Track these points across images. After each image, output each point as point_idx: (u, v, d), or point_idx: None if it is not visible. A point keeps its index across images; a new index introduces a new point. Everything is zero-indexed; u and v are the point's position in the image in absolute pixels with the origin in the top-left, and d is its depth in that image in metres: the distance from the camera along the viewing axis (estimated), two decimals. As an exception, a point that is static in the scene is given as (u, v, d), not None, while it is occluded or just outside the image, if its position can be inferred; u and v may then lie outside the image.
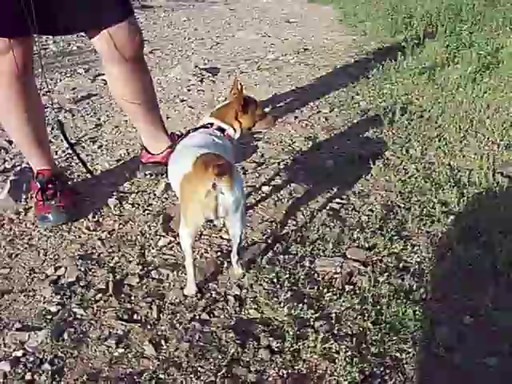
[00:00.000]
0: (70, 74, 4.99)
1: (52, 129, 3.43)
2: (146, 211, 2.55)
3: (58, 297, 1.94)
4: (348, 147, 3.24)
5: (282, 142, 3.33)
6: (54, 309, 1.88)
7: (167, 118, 3.86)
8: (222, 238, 2.29)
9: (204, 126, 2.10)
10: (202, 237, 2.32)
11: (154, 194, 2.69)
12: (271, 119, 2.23)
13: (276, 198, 2.65)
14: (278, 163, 3.02)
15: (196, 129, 2.11)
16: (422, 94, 4.12)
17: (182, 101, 4.31)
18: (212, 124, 2.11)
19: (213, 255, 2.20)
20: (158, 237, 2.33)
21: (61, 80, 4.79)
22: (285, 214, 2.50)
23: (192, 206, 1.74)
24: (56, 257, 2.20)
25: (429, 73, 4.45)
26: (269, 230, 2.37)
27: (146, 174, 2.85)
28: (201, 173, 1.68)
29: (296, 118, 3.80)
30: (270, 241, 2.28)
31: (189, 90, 4.59)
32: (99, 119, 3.87)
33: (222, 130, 2.10)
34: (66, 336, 1.76)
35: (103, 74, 4.58)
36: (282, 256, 2.16)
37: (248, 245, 2.25)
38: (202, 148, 1.84)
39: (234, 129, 2.12)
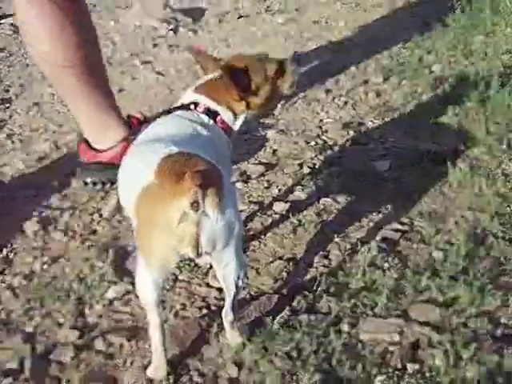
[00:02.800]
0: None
1: None
2: (87, 242, 2.57)
3: None
4: (412, 139, 3.25)
5: (307, 131, 3.33)
6: None
7: (120, 91, 3.85)
8: (208, 285, 2.34)
9: (183, 107, 2.15)
10: (177, 284, 2.34)
11: (100, 215, 2.73)
12: (291, 68, 2.29)
13: (296, 222, 2.68)
14: (300, 165, 3.03)
15: (169, 111, 2.15)
16: (539, 50, 4.06)
17: (145, 63, 4.28)
18: (197, 104, 2.15)
19: (194, 313, 2.22)
20: (107, 284, 2.36)
21: None
22: (309, 246, 2.54)
23: (158, 237, 1.76)
24: None
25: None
26: (284, 273, 2.40)
27: (86, 183, 2.88)
28: (170, 184, 1.70)
29: (328, 92, 3.82)
30: (285, 291, 2.31)
31: (155, 46, 4.56)
32: (7, 91, 3.91)
33: (214, 115, 2.16)
34: None
35: (12, 16, 4.59)
36: (305, 316, 2.18)
37: (251, 297, 2.27)
38: (174, 143, 1.88)
39: (235, 113, 2.19)
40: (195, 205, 1.67)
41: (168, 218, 1.70)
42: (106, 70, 2.87)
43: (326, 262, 2.49)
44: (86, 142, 2.91)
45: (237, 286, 1.95)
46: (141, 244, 1.86)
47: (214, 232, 1.75)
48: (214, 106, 2.17)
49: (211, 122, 2.15)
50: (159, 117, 2.16)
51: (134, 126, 2.92)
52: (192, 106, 2.15)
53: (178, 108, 2.17)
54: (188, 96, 2.21)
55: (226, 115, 2.19)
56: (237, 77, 2.13)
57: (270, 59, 2.25)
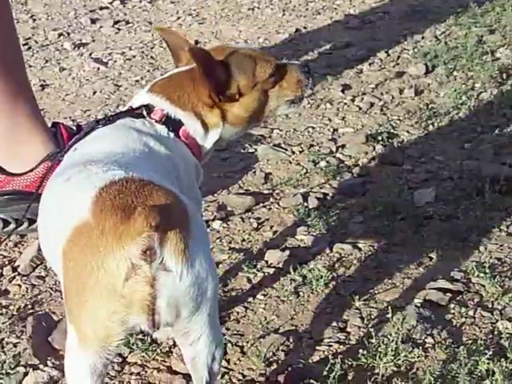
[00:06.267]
0: None
1: None
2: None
3: None
4: (468, 158, 3.07)
5: (314, 147, 3.18)
6: None
7: (42, 87, 3.60)
8: (171, 370, 2.14)
9: (130, 113, 2.01)
10: (126, 368, 2.13)
11: (14, 269, 2.58)
12: (300, 77, 2.12)
13: (298, 278, 2.45)
14: (304, 196, 2.84)
15: (111, 118, 2.01)
16: None
17: (79, 46, 4.06)
18: (151, 109, 2.01)
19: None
20: (24, 368, 2.16)
21: None
22: (318, 314, 2.34)
23: (95, 300, 1.58)
24: None
25: None
26: (281, 353, 2.18)
27: (-8, 222, 2.79)
28: (114, 223, 1.55)
29: (346, 88, 3.61)
30: (282, 378, 2.11)
31: (94, 21, 4.38)
32: None
33: (175, 125, 2.01)
34: None
35: None
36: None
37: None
38: (119, 165, 1.75)
39: (206, 125, 2.04)
40: (149, 254, 1.52)
41: (109, 272, 1.55)
42: (23, 60, 2.71)
43: (341, 336, 2.27)
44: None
45: (211, 372, 1.76)
46: (70, 311, 1.67)
47: (177, 293, 1.60)
48: (174, 111, 2.00)
49: (171, 135, 1.99)
50: (96, 126, 1.99)
51: (62, 139, 2.71)
52: (144, 112, 2.00)
53: (124, 114, 2.02)
54: (139, 97, 2.06)
55: (192, 126, 2.01)
56: (211, 70, 1.97)
57: (267, 58, 2.10)
